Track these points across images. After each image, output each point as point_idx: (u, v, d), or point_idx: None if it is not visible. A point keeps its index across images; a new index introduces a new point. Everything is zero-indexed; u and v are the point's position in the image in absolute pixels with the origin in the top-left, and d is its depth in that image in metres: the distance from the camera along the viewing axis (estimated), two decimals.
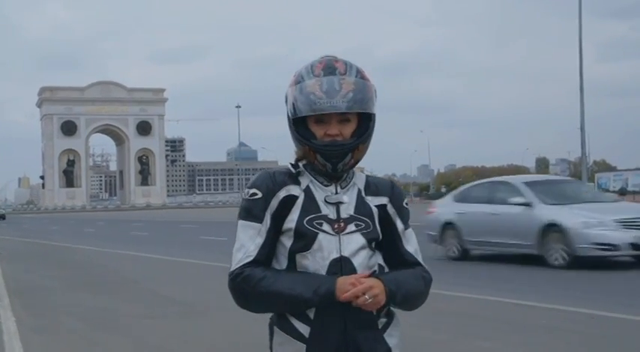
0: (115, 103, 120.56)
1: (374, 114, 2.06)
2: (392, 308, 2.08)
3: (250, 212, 2.04)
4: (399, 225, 2.14)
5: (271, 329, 2.08)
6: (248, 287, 1.98)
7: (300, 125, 2.03)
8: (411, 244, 2.16)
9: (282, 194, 2.03)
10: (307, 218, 2.02)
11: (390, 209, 2.13)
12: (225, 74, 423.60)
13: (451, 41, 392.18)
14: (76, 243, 23.60)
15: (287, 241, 2.03)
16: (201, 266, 14.06)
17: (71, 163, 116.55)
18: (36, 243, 25.15)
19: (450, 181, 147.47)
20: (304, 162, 2.09)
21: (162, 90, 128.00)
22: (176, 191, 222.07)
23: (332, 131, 2.00)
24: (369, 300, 1.92)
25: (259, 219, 2.02)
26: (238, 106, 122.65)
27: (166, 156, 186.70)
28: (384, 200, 2.13)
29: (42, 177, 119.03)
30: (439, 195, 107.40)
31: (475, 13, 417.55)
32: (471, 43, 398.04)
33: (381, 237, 2.10)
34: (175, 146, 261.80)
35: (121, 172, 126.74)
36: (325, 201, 2.05)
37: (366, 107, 2.01)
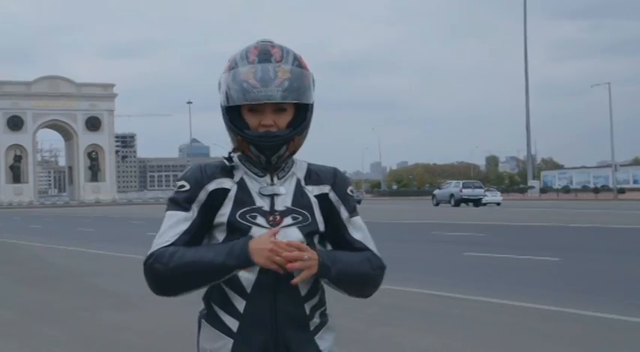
0: (63, 98, 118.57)
1: (311, 104, 1.98)
2: (326, 283, 1.98)
3: (176, 202, 1.98)
4: (344, 213, 2.06)
5: (199, 323, 2.03)
6: (160, 266, 1.90)
7: (233, 114, 1.95)
8: (360, 231, 2.07)
9: (211, 187, 1.97)
10: (240, 211, 1.95)
11: (333, 197, 2.05)
12: (177, 69, 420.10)
13: (404, 39, 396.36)
14: (20, 238, 23.54)
15: (220, 235, 1.97)
16: (141, 261, 14.28)
17: (18, 159, 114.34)
18: None
19: (400, 178, 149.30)
20: (239, 153, 2.02)
21: (112, 86, 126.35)
22: (127, 187, 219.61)
23: (266, 121, 1.92)
24: (306, 258, 1.85)
25: (185, 209, 1.96)
26: (189, 102, 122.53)
27: (117, 151, 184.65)
28: (325, 188, 2.05)
29: None
30: (391, 192, 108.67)
31: (429, 12, 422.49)
32: (423, 42, 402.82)
33: (322, 229, 2.03)
34: (126, 142, 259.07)
35: (70, 168, 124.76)
36: (260, 192, 1.98)
37: (302, 97, 1.93)
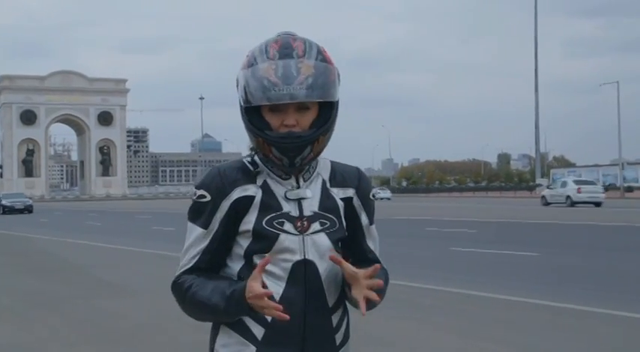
0: (75, 93, 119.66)
1: (336, 102, 1.84)
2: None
3: (197, 215, 1.87)
4: (364, 219, 1.97)
5: (215, 327, 1.91)
6: (180, 296, 1.86)
7: (253, 113, 1.82)
8: (373, 241, 2.01)
9: (234, 195, 1.85)
10: (267, 218, 1.83)
11: (356, 202, 1.96)
12: (191, 65, 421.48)
13: (419, 37, 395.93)
14: (28, 232, 24.15)
15: (244, 241, 1.86)
16: (142, 254, 14.87)
17: (30, 153, 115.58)
18: None
19: (410, 175, 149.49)
20: (260, 156, 1.90)
21: (124, 81, 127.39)
22: (139, 182, 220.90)
23: (289, 121, 1.79)
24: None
25: (205, 225, 1.86)
26: (202, 97, 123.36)
27: (129, 146, 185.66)
28: (350, 192, 1.95)
29: (0, 167, 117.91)
30: (402, 189, 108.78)
31: (444, 9, 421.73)
32: (438, 39, 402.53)
33: (346, 234, 1.94)
34: (139, 136, 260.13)
35: (81, 162, 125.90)
36: (286, 197, 1.86)
37: (327, 95, 1.80)
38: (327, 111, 1.83)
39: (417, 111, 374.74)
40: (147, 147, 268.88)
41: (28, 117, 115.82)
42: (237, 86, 1.84)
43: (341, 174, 1.95)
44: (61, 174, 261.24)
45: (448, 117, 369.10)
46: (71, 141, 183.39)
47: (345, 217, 1.92)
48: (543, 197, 45.15)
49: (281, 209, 1.84)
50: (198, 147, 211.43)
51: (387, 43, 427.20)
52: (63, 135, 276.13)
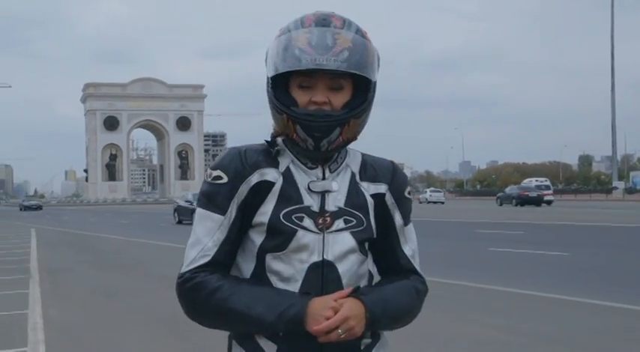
0: (155, 99, 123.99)
1: (374, 83, 1.66)
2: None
3: (212, 199, 1.65)
4: (398, 219, 1.77)
5: (230, 342, 1.73)
6: (198, 298, 1.61)
7: (280, 89, 1.64)
8: (410, 245, 1.79)
9: (254, 179, 1.65)
10: (285, 210, 1.64)
11: (389, 199, 1.75)
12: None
13: (498, 36, 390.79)
14: (106, 233, 26.16)
15: (257, 237, 1.66)
16: None
17: (113, 157, 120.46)
18: (71, 232, 27.78)
19: (484, 178, 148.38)
20: (283, 137, 1.70)
21: (202, 87, 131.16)
22: None
23: (318, 98, 1.61)
24: (342, 335, 1.57)
25: (222, 210, 1.64)
26: None
27: (207, 150, 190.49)
28: (382, 188, 1.74)
29: (85, 171, 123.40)
30: (476, 192, 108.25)
31: (524, 9, 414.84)
32: (518, 39, 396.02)
33: (375, 235, 1.72)
34: (217, 141, 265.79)
35: (161, 166, 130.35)
36: (309, 188, 1.67)
37: (365, 70, 1.60)
38: (362, 94, 1.64)
39: (497, 111, 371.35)
40: (225, 151, 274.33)
41: (111, 123, 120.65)
42: (266, 59, 1.66)
43: (373, 168, 1.75)
44: (143, 178, 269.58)
45: (529, 118, 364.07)
46: (152, 146, 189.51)
47: (375, 216, 1.72)
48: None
49: (302, 202, 1.65)
50: None
51: (467, 44, 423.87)
52: (145, 139, 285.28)
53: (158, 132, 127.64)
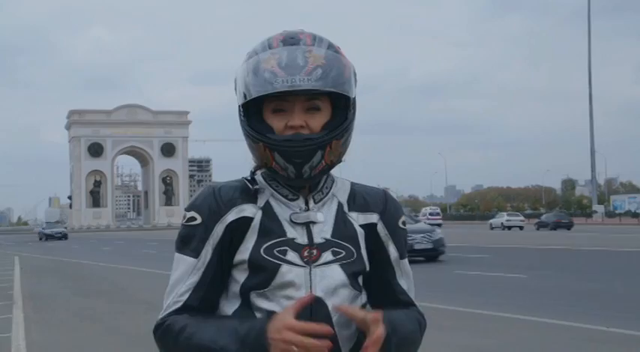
0: (140, 126, 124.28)
1: (353, 100, 1.53)
2: None
3: (186, 242, 1.56)
4: (393, 252, 1.64)
5: None
6: (169, 342, 1.52)
7: (253, 118, 1.52)
8: (406, 278, 1.67)
9: (229, 217, 1.54)
10: (265, 245, 1.52)
11: (382, 230, 1.63)
12: None
13: (484, 63, 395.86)
14: (89, 259, 26.66)
15: (240, 275, 1.54)
16: None
17: (97, 184, 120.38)
18: (54, 259, 28.26)
19: (467, 203, 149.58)
20: (262, 171, 1.60)
21: (187, 113, 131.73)
22: None
23: (295, 121, 1.48)
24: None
25: (195, 253, 1.54)
26: None
27: (193, 176, 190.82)
28: (373, 217, 1.63)
29: (69, 198, 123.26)
30: (455, 216, 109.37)
31: (508, 35, 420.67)
32: (503, 65, 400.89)
33: (367, 268, 1.60)
34: (202, 166, 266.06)
35: (145, 193, 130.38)
36: (291, 220, 1.55)
37: (342, 87, 1.48)
38: (341, 114, 1.53)
39: (482, 136, 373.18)
40: (210, 176, 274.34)
41: (96, 150, 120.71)
42: (235, 87, 1.55)
43: (362, 197, 1.64)
44: (128, 204, 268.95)
45: (513, 143, 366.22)
46: (137, 172, 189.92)
47: (368, 249, 1.60)
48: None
49: (284, 234, 1.53)
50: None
51: (452, 70, 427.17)
52: (130, 165, 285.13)
53: (142, 159, 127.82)
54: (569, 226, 54.49)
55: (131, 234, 72.85)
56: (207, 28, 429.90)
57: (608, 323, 8.72)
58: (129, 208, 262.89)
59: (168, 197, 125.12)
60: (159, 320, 1.55)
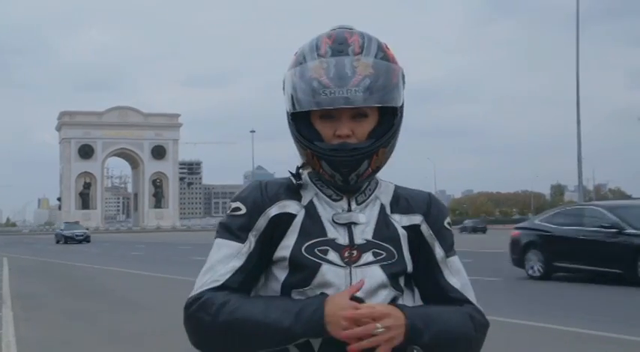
0: (131, 128, 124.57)
1: (400, 107, 1.55)
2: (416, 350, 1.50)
3: (229, 229, 1.57)
4: (439, 251, 1.63)
5: None
6: (206, 316, 1.47)
7: (301, 121, 1.54)
8: (457, 276, 1.64)
9: (272, 211, 1.56)
10: (307, 244, 1.54)
11: (426, 230, 1.63)
12: (246, 98, 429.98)
13: (475, 68, 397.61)
14: (77, 261, 26.92)
15: (280, 273, 1.55)
16: (169, 280, 17.26)
17: (87, 186, 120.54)
18: (42, 261, 28.52)
19: (456, 208, 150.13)
20: (309, 170, 1.61)
21: (177, 116, 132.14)
22: (192, 213, 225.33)
23: (342, 131, 1.50)
24: (380, 330, 1.41)
25: (241, 240, 1.55)
26: (252, 131, 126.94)
27: (183, 178, 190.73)
28: (416, 219, 1.63)
29: (59, 199, 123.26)
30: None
31: (497, 41, 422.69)
32: (493, 71, 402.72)
33: (410, 269, 1.60)
34: (192, 169, 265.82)
35: (135, 195, 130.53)
36: (333, 221, 1.56)
37: (388, 99, 1.51)
38: (388, 119, 1.55)
39: (473, 141, 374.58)
40: (200, 179, 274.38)
41: (86, 152, 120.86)
42: (284, 89, 1.57)
43: (405, 199, 1.66)
44: (118, 206, 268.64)
45: (503, 148, 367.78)
46: (128, 174, 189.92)
47: (412, 250, 1.61)
48: None
49: (325, 234, 1.55)
50: (251, 178, 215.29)
51: (445, 76, 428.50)
52: (120, 167, 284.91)
53: (133, 161, 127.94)
54: (484, 230, 70.13)
55: (119, 236, 73.00)
56: (199, 32, 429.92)
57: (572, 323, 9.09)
58: (118, 210, 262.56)
59: (158, 199, 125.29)
60: (194, 295, 1.53)
